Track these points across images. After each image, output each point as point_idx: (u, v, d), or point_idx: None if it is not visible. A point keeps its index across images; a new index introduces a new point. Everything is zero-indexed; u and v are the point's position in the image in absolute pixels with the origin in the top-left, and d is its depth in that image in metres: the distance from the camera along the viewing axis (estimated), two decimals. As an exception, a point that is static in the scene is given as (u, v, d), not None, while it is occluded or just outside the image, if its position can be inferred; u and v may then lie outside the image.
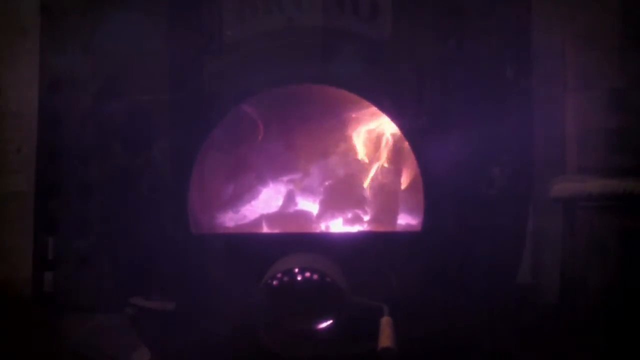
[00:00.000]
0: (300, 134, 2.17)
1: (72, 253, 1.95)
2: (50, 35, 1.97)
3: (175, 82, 1.90)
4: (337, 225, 2.05)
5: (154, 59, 1.91)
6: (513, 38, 1.88)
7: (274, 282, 1.71)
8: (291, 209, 2.12)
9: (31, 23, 2.44)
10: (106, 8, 1.93)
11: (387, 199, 2.07)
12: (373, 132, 2.17)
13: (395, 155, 2.14)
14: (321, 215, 2.07)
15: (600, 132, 2.33)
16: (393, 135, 2.12)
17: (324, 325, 1.73)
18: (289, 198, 2.13)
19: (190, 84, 1.90)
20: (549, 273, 2.29)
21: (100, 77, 1.93)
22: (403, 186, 2.13)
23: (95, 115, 1.93)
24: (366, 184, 2.13)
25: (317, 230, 2.04)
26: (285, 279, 1.71)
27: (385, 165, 2.15)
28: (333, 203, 2.07)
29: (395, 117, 1.90)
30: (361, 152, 2.19)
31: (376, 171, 2.15)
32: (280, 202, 2.14)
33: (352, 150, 2.19)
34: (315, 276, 1.70)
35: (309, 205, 2.13)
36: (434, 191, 1.85)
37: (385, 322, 1.64)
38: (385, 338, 1.58)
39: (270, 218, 2.08)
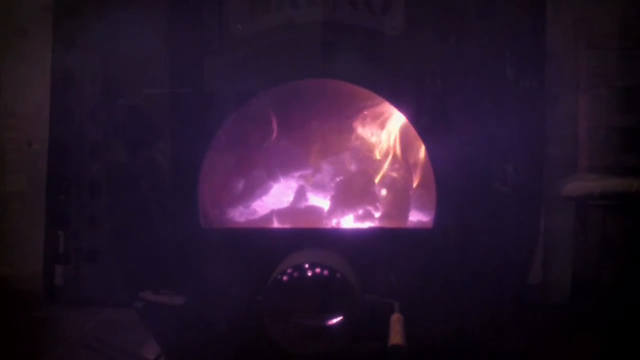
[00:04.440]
0: (311, 130, 2.16)
1: (82, 247, 1.95)
2: (60, 33, 1.96)
3: (189, 76, 1.90)
4: (348, 222, 2.03)
5: (165, 54, 1.91)
6: (527, 39, 1.86)
7: (284, 278, 1.70)
8: (302, 205, 2.11)
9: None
10: (116, 7, 1.92)
11: (398, 195, 2.06)
12: (385, 128, 2.16)
13: (408, 152, 2.13)
14: (332, 211, 2.05)
15: (612, 132, 2.32)
16: (405, 131, 2.11)
17: (333, 321, 1.72)
18: (300, 193, 2.12)
19: (204, 77, 1.89)
20: (559, 272, 2.29)
21: (111, 75, 1.92)
22: (415, 183, 2.12)
23: (105, 111, 1.93)
24: (377, 180, 2.12)
25: (328, 226, 2.02)
26: (295, 274, 1.70)
27: (397, 161, 2.14)
28: (344, 199, 2.06)
29: (408, 113, 1.89)
30: (373, 148, 2.18)
31: (388, 167, 2.14)
32: (291, 198, 2.13)
33: (363, 146, 2.18)
34: (325, 272, 1.69)
35: (320, 201, 2.12)
36: (446, 188, 1.84)
37: (396, 319, 1.63)
38: (396, 335, 1.57)
39: (280, 213, 2.06)
